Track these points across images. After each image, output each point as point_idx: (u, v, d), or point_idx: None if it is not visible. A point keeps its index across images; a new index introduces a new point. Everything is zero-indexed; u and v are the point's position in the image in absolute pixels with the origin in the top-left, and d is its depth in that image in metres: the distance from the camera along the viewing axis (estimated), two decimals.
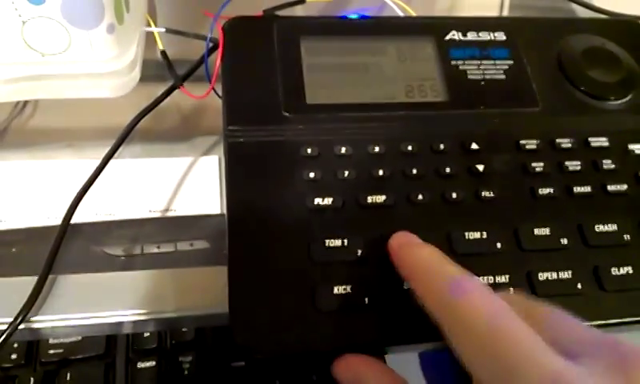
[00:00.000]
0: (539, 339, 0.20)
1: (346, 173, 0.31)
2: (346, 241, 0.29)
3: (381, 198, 0.30)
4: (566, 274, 0.29)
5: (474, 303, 0.22)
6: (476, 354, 0.21)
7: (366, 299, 0.28)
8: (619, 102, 0.36)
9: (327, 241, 0.29)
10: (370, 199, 0.30)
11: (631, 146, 0.34)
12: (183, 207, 0.40)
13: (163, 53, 0.38)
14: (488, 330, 0.21)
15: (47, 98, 0.36)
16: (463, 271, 0.24)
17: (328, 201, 0.30)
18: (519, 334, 0.21)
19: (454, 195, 0.31)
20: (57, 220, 0.34)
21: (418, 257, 0.26)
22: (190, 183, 0.41)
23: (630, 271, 0.30)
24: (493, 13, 0.52)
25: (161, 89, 0.38)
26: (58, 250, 0.33)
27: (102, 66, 0.35)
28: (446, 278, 0.24)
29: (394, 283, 0.28)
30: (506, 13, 0.53)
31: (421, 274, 0.25)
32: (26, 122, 0.43)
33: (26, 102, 0.43)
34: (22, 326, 0.30)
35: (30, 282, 0.32)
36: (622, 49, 0.38)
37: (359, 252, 0.29)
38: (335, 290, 0.28)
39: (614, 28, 0.40)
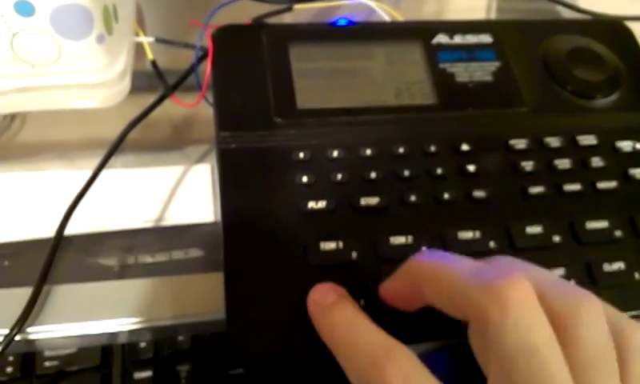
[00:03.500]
0: None
1: (339, 176, 0.31)
2: (340, 243, 0.29)
3: (374, 200, 0.30)
4: (558, 272, 0.30)
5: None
6: None
7: (362, 301, 0.28)
8: (605, 100, 0.36)
9: (322, 244, 0.29)
10: (363, 201, 0.30)
11: (619, 143, 0.34)
12: (176, 216, 0.40)
13: (153, 62, 0.39)
14: None
15: (37, 110, 0.36)
16: (388, 344, 0.23)
17: (322, 204, 0.30)
18: None
19: (446, 196, 0.31)
20: (49, 232, 0.34)
21: (337, 326, 0.25)
22: (182, 192, 0.41)
23: (622, 267, 0.30)
24: (479, 17, 0.53)
25: (151, 98, 0.38)
26: (52, 259, 0.33)
27: (92, 77, 0.35)
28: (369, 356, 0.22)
29: None
30: (492, 16, 0.54)
31: (345, 351, 0.24)
32: (15, 134, 0.42)
33: (14, 115, 0.43)
34: (17, 338, 0.30)
35: (25, 293, 0.31)
36: (606, 48, 0.38)
37: (354, 254, 0.29)
38: None
39: (598, 28, 0.40)
